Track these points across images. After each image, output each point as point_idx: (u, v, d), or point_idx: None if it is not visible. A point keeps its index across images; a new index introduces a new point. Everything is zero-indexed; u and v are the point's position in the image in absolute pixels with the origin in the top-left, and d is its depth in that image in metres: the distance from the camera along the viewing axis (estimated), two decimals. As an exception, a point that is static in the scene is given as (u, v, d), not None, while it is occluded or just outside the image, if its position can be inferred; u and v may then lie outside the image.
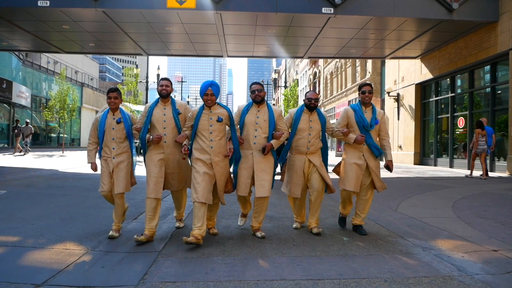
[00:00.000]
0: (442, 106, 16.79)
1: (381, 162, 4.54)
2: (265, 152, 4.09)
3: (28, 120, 20.82)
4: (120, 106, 4.25)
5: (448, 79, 16.05)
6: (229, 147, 4.02)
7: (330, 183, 4.34)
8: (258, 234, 4.18)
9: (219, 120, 3.94)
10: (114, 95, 4.13)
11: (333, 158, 21.46)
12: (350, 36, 14.07)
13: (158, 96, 4.22)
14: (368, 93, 4.39)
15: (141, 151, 4.35)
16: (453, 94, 15.69)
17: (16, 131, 19.29)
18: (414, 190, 8.31)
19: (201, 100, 4.07)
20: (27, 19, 12.42)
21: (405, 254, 3.62)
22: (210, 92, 3.90)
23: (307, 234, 4.32)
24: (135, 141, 4.34)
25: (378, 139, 4.48)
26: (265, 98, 4.28)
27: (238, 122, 4.24)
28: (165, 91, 4.12)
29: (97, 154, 4.27)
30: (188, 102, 37.67)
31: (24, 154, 18.43)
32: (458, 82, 15.74)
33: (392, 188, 8.83)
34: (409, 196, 7.40)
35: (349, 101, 27.38)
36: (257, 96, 4.17)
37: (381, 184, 4.41)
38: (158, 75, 26.85)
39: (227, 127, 4.08)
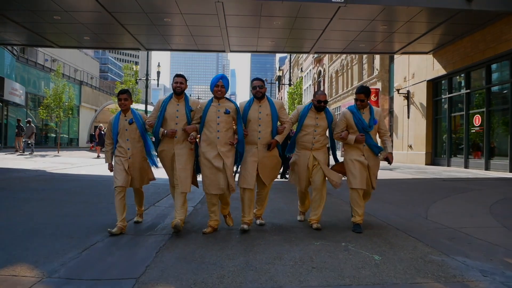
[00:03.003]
0: (454, 104, 15.87)
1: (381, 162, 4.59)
2: (271, 148, 4.22)
3: (29, 119, 20.04)
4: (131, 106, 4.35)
5: (462, 75, 15.13)
6: (235, 137, 4.13)
7: (332, 179, 4.36)
8: (257, 221, 4.48)
9: (227, 112, 4.07)
10: (124, 96, 4.21)
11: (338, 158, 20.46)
12: (359, 29, 13.17)
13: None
14: (360, 101, 4.37)
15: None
16: (468, 91, 14.76)
17: (16, 130, 18.65)
18: (437, 193, 7.43)
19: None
20: (16, 9, 11.56)
21: (461, 282, 2.75)
22: (221, 84, 4.09)
23: (328, 252, 3.44)
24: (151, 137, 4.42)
25: (378, 137, 4.56)
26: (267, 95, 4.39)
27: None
28: (179, 88, 4.13)
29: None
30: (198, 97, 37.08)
31: (21, 154, 17.75)
32: (474, 78, 14.82)
33: (413, 191, 7.97)
34: (435, 200, 6.52)
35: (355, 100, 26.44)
36: (258, 92, 4.25)
37: (375, 185, 4.51)
38: (158, 73, 26.07)
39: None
